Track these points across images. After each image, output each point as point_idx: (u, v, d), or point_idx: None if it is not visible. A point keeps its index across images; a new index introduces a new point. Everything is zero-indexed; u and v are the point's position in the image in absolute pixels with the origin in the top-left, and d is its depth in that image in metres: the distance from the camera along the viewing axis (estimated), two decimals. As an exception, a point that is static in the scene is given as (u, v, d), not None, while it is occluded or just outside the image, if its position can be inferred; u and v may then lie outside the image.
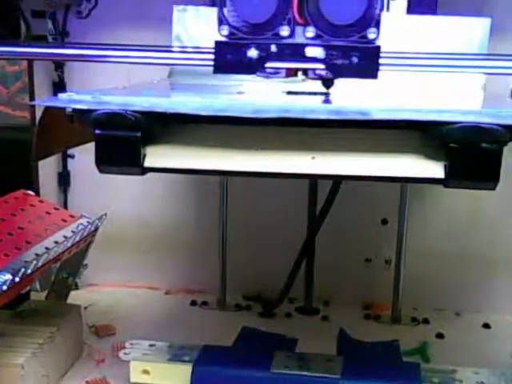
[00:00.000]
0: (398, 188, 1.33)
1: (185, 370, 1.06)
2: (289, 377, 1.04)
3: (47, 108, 0.86)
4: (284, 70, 0.82)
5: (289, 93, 0.94)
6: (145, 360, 1.09)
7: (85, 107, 0.77)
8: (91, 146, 0.80)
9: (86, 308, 1.36)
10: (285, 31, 0.80)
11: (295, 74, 0.85)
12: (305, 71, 0.83)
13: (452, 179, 0.75)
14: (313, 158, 0.77)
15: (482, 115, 0.73)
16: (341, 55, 0.80)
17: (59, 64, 1.41)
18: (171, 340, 1.15)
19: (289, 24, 0.80)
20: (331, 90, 0.90)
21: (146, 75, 1.10)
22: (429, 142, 0.75)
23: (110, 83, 1.04)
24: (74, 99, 0.80)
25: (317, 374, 1.04)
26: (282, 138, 0.77)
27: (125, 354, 1.10)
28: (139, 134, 0.77)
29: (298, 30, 0.81)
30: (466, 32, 1.06)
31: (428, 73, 0.97)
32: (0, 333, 1.08)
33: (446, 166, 0.75)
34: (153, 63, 0.94)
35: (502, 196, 1.29)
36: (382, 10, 0.79)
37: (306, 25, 0.80)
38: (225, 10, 0.80)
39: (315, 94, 0.90)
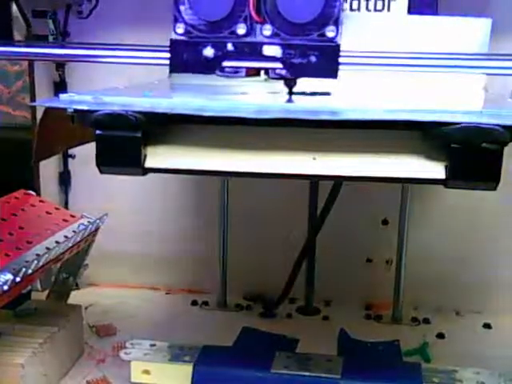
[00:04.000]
0: (399, 188, 1.34)
1: (185, 370, 1.06)
2: (289, 377, 1.04)
3: (48, 108, 0.86)
4: (244, 70, 0.80)
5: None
6: (145, 360, 1.09)
7: (86, 108, 0.77)
8: (92, 146, 0.80)
9: (86, 308, 1.36)
10: (241, 29, 0.78)
11: (257, 74, 0.84)
12: (266, 71, 0.81)
13: (453, 179, 0.75)
14: (314, 158, 0.77)
15: (482, 116, 0.73)
16: (299, 54, 0.77)
17: (60, 64, 1.41)
18: (172, 340, 1.15)
19: (245, 22, 0.78)
20: (332, 90, 0.90)
21: (147, 75, 1.10)
22: (429, 142, 0.75)
23: (110, 83, 1.04)
24: (74, 100, 0.80)
25: (317, 375, 1.04)
26: (284, 139, 0.77)
27: (125, 353, 1.10)
28: (140, 135, 0.77)
29: (257, 28, 0.78)
30: (467, 32, 1.06)
31: (429, 73, 0.97)
32: (0, 333, 1.08)
33: (446, 167, 0.74)
34: (153, 63, 0.94)
35: (502, 196, 1.29)
36: (341, 8, 0.77)
37: (263, 23, 0.78)
38: (181, 8, 0.78)
39: (317, 94, 0.90)
